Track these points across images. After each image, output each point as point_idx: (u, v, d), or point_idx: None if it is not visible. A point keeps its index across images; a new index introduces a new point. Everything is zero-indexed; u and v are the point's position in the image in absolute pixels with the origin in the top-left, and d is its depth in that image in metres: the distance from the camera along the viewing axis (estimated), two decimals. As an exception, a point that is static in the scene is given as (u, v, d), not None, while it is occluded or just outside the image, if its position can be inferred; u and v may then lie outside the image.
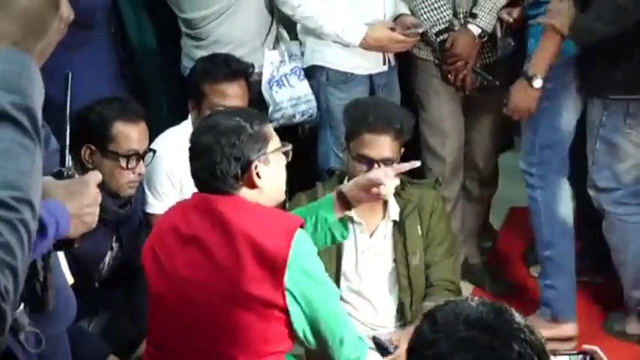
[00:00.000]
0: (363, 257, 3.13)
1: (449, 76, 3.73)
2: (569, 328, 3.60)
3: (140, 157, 2.98)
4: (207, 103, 3.32)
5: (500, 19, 3.71)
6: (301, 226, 2.37)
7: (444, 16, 3.69)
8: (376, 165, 2.97)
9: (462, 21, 3.72)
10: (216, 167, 2.35)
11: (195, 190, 3.27)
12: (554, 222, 3.59)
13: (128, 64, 3.76)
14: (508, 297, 3.76)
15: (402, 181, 3.11)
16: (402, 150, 3.11)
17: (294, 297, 2.31)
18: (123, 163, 2.94)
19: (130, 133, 2.96)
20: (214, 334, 2.35)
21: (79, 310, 2.20)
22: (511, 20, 3.65)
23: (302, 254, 2.32)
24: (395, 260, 3.12)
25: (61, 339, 2.17)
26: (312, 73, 3.68)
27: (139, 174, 2.99)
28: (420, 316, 2.96)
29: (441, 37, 3.69)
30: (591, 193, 3.53)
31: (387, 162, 2.98)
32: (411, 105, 3.68)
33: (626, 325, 3.67)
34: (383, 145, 3.00)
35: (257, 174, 2.37)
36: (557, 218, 3.59)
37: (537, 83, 3.33)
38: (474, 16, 3.70)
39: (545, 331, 3.26)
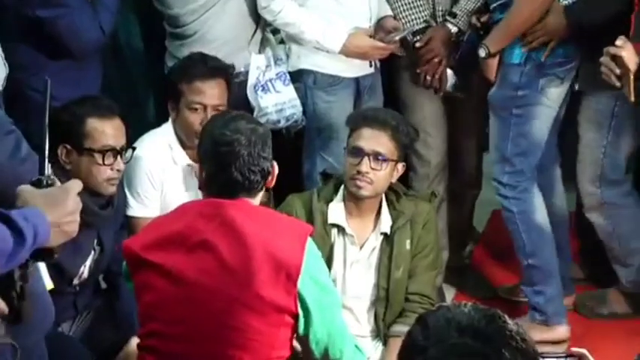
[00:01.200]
0: (351, 269, 3.13)
1: (426, 77, 3.72)
2: (560, 331, 3.60)
3: (117, 152, 2.95)
4: (185, 101, 3.32)
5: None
6: (310, 234, 2.42)
7: (422, 16, 3.69)
8: (366, 158, 3.01)
9: (441, 19, 3.72)
10: (260, 164, 2.39)
11: (176, 192, 3.28)
12: (533, 230, 3.59)
13: (116, 66, 3.73)
14: (491, 300, 3.74)
15: (397, 193, 3.13)
16: (403, 166, 3.15)
17: (304, 303, 2.34)
18: (99, 159, 2.91)
19: (105, 129, 2.93)
20: (222, 337, 2.35)
21: (59, 315, 2.17)
22: (479, 25, 3.66)
23: (313, 261, 2.37)
24: (378, 271, 3.12)
25: (36, 349, 2.13)
26: (298, 76, 3.65)
27: (118, 170, 2.96)
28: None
29: (417, 38, 3.69)
30: (599, 189, 3.55)
31: (377, 157, 3.00)
32: (393, 107, 3.67)
33: (613, 306, 3.76)
34: (377, 140, 3.05)
35: None
36: (534, 226, 3.59)
37: None
38: (453, 15, 3.70)
39: (537, 334, 3.28)
